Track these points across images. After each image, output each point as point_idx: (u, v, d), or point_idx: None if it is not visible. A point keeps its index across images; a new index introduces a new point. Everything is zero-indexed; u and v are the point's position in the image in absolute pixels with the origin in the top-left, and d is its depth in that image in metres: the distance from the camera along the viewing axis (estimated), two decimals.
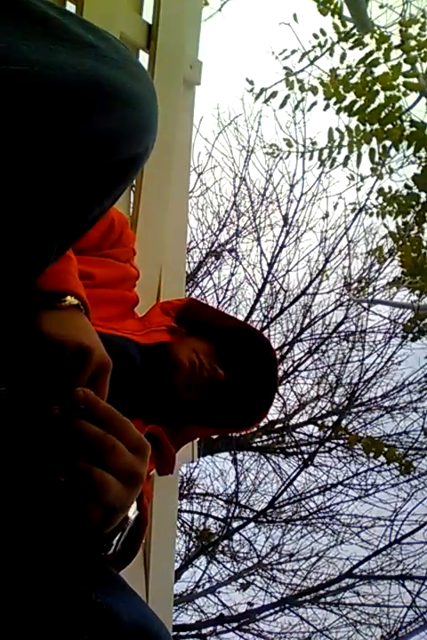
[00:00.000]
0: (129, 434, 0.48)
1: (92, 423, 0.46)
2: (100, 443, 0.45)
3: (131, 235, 1.00)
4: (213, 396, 1.00)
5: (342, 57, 3.37)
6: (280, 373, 5.91)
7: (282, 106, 3.90)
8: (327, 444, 6.16)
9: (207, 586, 5.86)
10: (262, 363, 1.04)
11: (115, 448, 0.46)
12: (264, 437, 6.30)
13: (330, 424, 6.13)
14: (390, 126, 3.24)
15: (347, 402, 6.23)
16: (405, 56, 3.15)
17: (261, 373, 1.04)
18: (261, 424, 5.74)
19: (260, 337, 1.07)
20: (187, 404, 0.98)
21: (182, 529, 5.82)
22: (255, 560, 6.02)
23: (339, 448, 6.21)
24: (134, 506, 0.53)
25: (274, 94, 3.94)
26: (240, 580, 5.84)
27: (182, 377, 0.94)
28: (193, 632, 5.48)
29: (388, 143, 3.40)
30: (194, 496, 6.12)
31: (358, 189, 4.61)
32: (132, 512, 0.53)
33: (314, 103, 3.77)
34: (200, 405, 1.00)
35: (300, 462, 6.03)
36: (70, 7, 1.22)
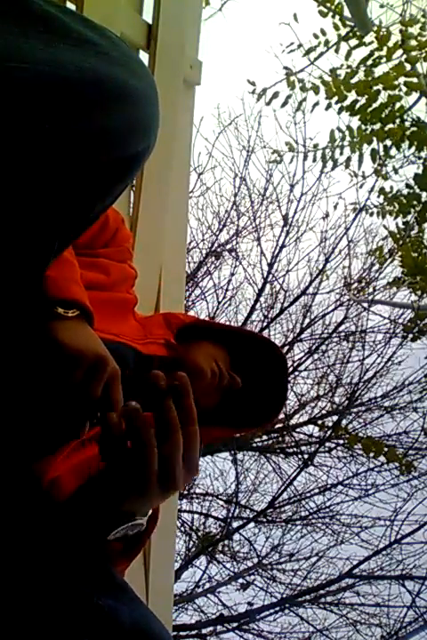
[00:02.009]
0: (192, 439, 0.49)
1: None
2: (172, 432, 0.47)
3: (127, 234, 0.98)
4: (226, 400, 0.98)
5: (348, 54, 3.36)
6: None
7: (283, 105, 3.90)
8: (327, 444, 6.16)
9: (207, 586, 5.86)
10: (272, 365, 1.02)
11: (177, 446, 0.47)
12: (264, 437, 6.30)
13: (330, 424, 6.13)
14: (391, 126, 3.24)
15: (347, 402, 6.23)
16: (406, 56, 3.15)
17: (272, 375, 1.02)
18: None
19: (268, 342, 1.05)
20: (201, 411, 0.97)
21: (182, 529, 5.82)
22: (255, 560, 6.02)
23: (339, 448, 6.21)
24: (148, 515, 0.54)
25: (276, 95, 3.93)
26: (240, 580, 5.85)
27: (203, 387, 0.91)
28: (193, 632, 5.48)
29: (389, 143, 3.40)
30: (194, 496, 6.12)
31: (361, 186, 4.61)
32: (144, 520, 0.54)
33: (316, 103, 3.77)
34: (212, 408, 0.98)
35: (300, 462, 6.03)
36: (70, 7, 1.22)
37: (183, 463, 0.48)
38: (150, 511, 0.55)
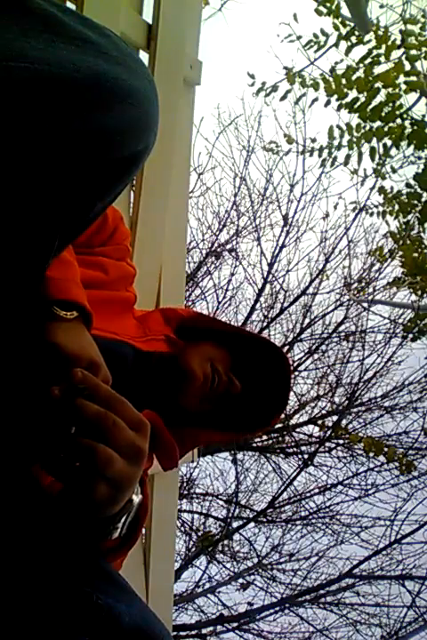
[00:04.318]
0: (128, 412, 0.49)
1: (92, 403, 0.47)
2: (101, 420, 0.46)
3: (125, 232, 0.96)
4: (224, 403, 0.96)
5: (348, 50, 3.35)
6: None
7: (283, 99, 3.89)
8: (327, 444, 6.16)
9: (207, 586, 5.86)
10: (276, 370, 0.99)
11: (115, 424, 0.46)
12: (264, 437, 6.30)
13: (330, 424, 6.13)
14: (391, 125, 3.24)
15: (347, 402, 6.23)
16: (405, 54, 3.15)
17: (275, 380, 0.99)
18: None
19: (272, 345, 1.02)
20: (196, 413, 0.94)
21: (182, 529, 5.82)
22: (255, 560, 6.02)
23: (339, 448, 6.21)
24: (138, 489, 0.54)
25: (275, 88, 3.94)
26: (240, 580, 5.85)
27: (194, 390, 0.89)
28: (193, 632, 5.48)
29: (388, 142, 3.40)
30: (194, 496, 6.12)
31: (362, 183, 4.61)
32: (136, 495, 0.54)
33: (315, 99, 3.77)
34: (210, 411, 0.96)
35: (300, 462, 6.03)
36: (70, 7, 1.22)
37: (132, 430, 0.48)
38: (140, 494, 0.55)
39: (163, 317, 1.01)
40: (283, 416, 5.91)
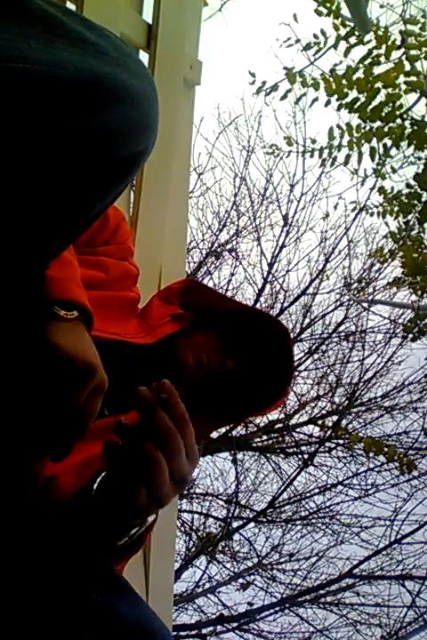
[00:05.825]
0: (190, 439, 0.50)
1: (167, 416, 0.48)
2: (170, 437, 0.48)
3: (127, 231, 0.97)
4: (225, 386, 0.96)
5: (347, 51, 3.35)
6: None
7: (283, 98, 3.89)
8: (327, 444, 6.16)
9: (207, 586, 5.86)
10: (274, 344, 0.99)
11: (178, 448, 0.48)
12: (264, 437, 6.30)
13: (330, 424, 6.13)
14: (391, 125, 3.24)
15: (347, 402, 6.23)
16: (406, 54, 3.15)
17: (275, 354, 0.99)
18: (268, 416, 5.72)
19: (268, 318, 1.02)
20: (195, 402, 0.94)
21: (182, 529, 5.82)
22: (255, 560, 6.02)
23: (339, 448, 6.21)
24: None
25: (275, 87, 3.94)
26: (240, 580, 5.85)
27: (189, 377, 0.91)
28: (193, 632, 5.48)
29: (388, 142, 3.40)
30: (194, 496, 6.12)
31: (362, 183, 4.60)
32: (152, 517, 0.55)
33: (315, 99, 3.77)
34: (211, 399, 0.97)
35: (300, 462, 6.03)
36: (70, 7, 1.22)
37: (187, 459, 0.49)
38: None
39: (163, 300, 1.02)
40: (283, 416, 5.92)
